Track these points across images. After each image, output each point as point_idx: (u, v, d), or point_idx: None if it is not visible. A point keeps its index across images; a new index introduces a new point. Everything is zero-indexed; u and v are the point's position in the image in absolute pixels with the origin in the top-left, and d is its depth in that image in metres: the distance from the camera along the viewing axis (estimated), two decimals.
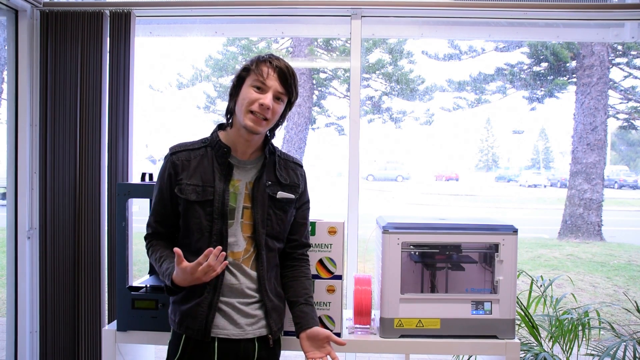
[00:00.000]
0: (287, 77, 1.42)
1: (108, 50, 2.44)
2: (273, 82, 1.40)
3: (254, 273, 1.47)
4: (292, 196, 1.52)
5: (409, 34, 2.96)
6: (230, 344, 1.45)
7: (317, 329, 1.48)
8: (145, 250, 1.56)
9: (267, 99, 1.40)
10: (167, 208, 1.49)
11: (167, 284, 1.41)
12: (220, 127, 1.54)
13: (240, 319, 1.45)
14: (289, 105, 1.49)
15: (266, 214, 1.47)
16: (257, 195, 1.47)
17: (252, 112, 1.40)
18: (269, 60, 1.42)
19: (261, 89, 1.40)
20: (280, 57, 1.45)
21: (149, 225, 1.55)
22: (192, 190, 1.43)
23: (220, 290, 1.44)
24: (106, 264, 2.45)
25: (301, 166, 1.61)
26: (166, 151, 1.52)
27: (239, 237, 1.46)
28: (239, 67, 1.48)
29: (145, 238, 1.56)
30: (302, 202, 1.58)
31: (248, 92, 1.41)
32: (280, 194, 1.50)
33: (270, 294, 1.49)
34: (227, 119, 1.50)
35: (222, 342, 1.44)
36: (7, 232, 2.48)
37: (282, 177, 1.52)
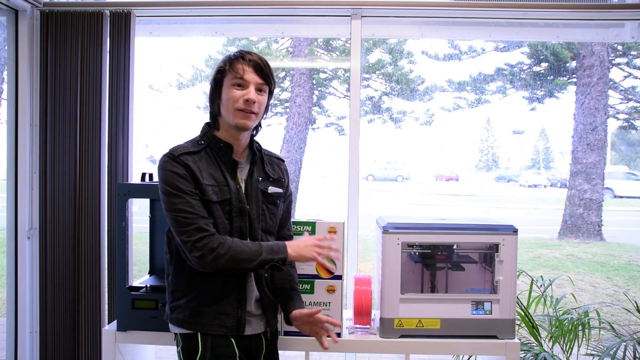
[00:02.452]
0: (262, 68, 1.45)
1: (108, 50, 2.44)
2: (251, 76, 1.43)
3: None
4: (281, 190, 1.57)
5: (409, 34, 2.96)
6: (245, 340, 1.48)
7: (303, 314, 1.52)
8: (209, 246, 1.35)
9: (251, 93, 1.43)
10: (202, 203, 1.40)
11: (280, 257, 1.42)
12: (209, 126, 1.53)
13: (249, 317, 1.49)
14: (270, 95, 1.53)
15: (260, 209, 1.50)
16: (251, 192, 1.49)
17: (239, 109, 1.43)
18: (241, 56, 1.44)
19: (242, 85, 1.43)
20: (251, 51, 1.47)
21: (191, 219, 1.36)
22: (212, 191, 1.42)
23: (245, 287, 1.47)
24: (106, 264, 2.45)
25: (283, 161, 1.66)
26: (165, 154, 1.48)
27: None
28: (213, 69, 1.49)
29: (202, 238, 1.35)
30: (287, 195, 1.63)
31: (230, 92, 1.43)
32: (272, 189, 1.54)
33: (265, 289, 1.53)
34: (214, 123, 1.51)
35: (238, 339, 1.47)
36: (7, 232, 2.49)
37: (270, 172, 1.56)
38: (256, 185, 1.50)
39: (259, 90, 1.45)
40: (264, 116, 1.55)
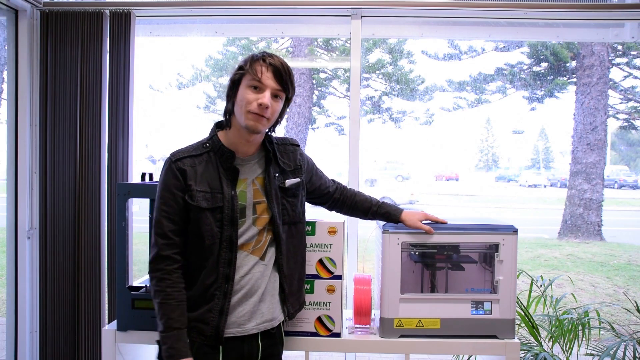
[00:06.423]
0: (282, 74, 1.40)
1: (108, 50, 2.44)
2: (269, 81, 1.39)
3: (264, 264, 1.48)
4: (298, 180, 1.56)
5: (409, 34, 2.97)
6: (234, 342, 1.45)
7: (412, 211, 1.75)
8: (153, 273, 1.42)
9: (266, 98, 1.38)
10: (181, 215, 1.42)
11: (158, 333, 1.40)
12: (219, 126, 1.51)
13: (243, 318, 1.46)
14: (287, 102, 1.48)
15: (281, 205, 1.50)
16: (270, 190, 1.48)
17: (251, 112, 1.39)
18: (262, 58, 1.40)
19: (258, 88, 1.39)
20: (275, 54, 1.43)
21: (161, 236, 1.41)
22: (202, 197, 1.41)
23: (230, 296, 1.43)
24: (106, 264, 2.45)
25: (298, 145, 1.64)
26: (166, 154, 1.48)
27: (250, 232, 1.45)
28: (235, 66, 1.46)
29: (156, 259, 1.41)
30: (310, 171, 1.65)
31: (245, 93, 1.39)
32: (289, 182, 1.53)
33: (289, 278, 1.53)
34: (226, 121, 1.48)
35: (226, 342, 1.45)
36: (7, 232, 2.49)
37: (285, 164, 1.54)
38: (274, 183, 1.49)
39: (274, 96, 1.42)
40: (279, 122, 1.52)
